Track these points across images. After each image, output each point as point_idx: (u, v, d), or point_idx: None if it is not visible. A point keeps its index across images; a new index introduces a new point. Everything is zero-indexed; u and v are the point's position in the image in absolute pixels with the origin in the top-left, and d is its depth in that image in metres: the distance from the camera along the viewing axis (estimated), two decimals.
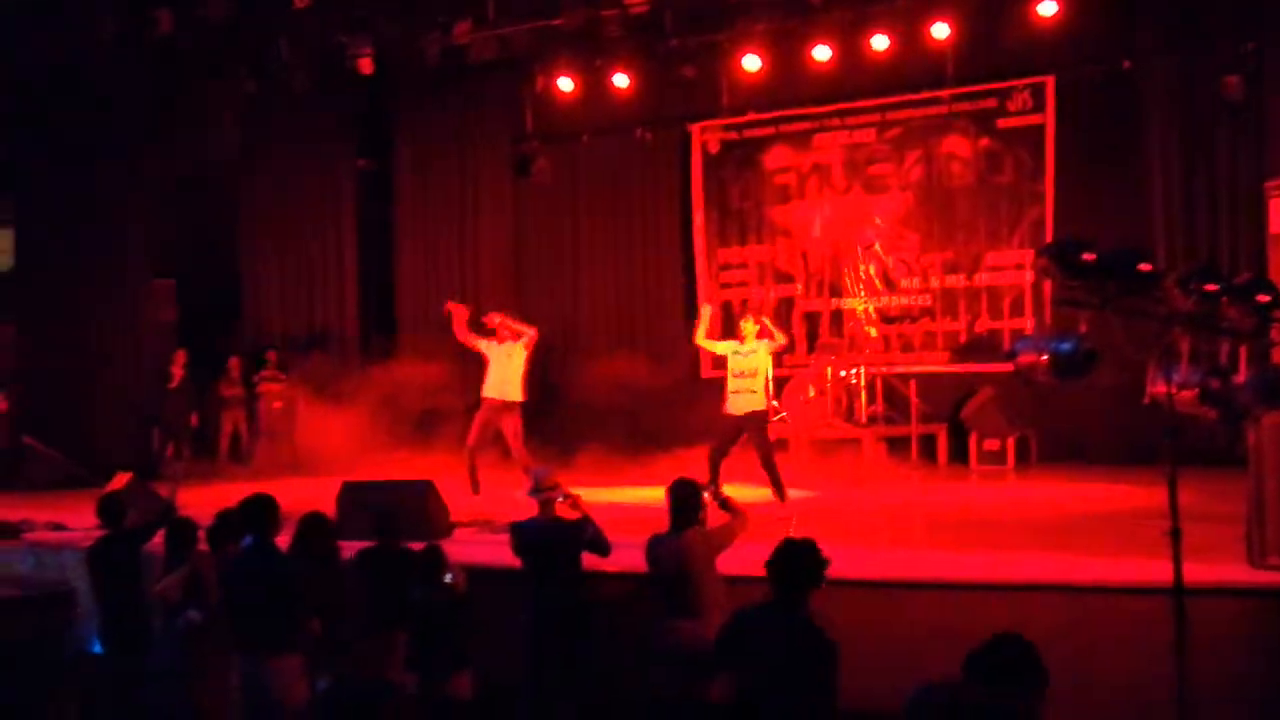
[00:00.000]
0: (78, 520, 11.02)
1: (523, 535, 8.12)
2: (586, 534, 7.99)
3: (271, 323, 18.99)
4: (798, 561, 5.88)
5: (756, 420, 11.71)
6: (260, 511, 7.65)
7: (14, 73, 16.85)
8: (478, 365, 13.53)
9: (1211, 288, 6.13)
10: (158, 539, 8.80)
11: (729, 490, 7.98)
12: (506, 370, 13.07)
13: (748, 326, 11.97)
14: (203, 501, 9.37)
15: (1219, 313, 6.37)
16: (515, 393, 13.07)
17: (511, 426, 13.02)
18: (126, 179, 17.94)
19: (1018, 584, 7.79)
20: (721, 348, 12.26)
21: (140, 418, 17.33)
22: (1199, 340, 6.47)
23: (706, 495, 7.76)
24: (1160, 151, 14.56)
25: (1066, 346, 5.91)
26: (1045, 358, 5.97)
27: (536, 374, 13.56)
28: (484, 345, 13.33)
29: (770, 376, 12.15)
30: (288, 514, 8.37)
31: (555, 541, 7.99)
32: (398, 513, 8.58)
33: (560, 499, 8.07)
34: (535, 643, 7.86)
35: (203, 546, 8.46)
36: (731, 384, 11.85)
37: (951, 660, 7.51)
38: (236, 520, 7.95)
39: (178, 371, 17.05)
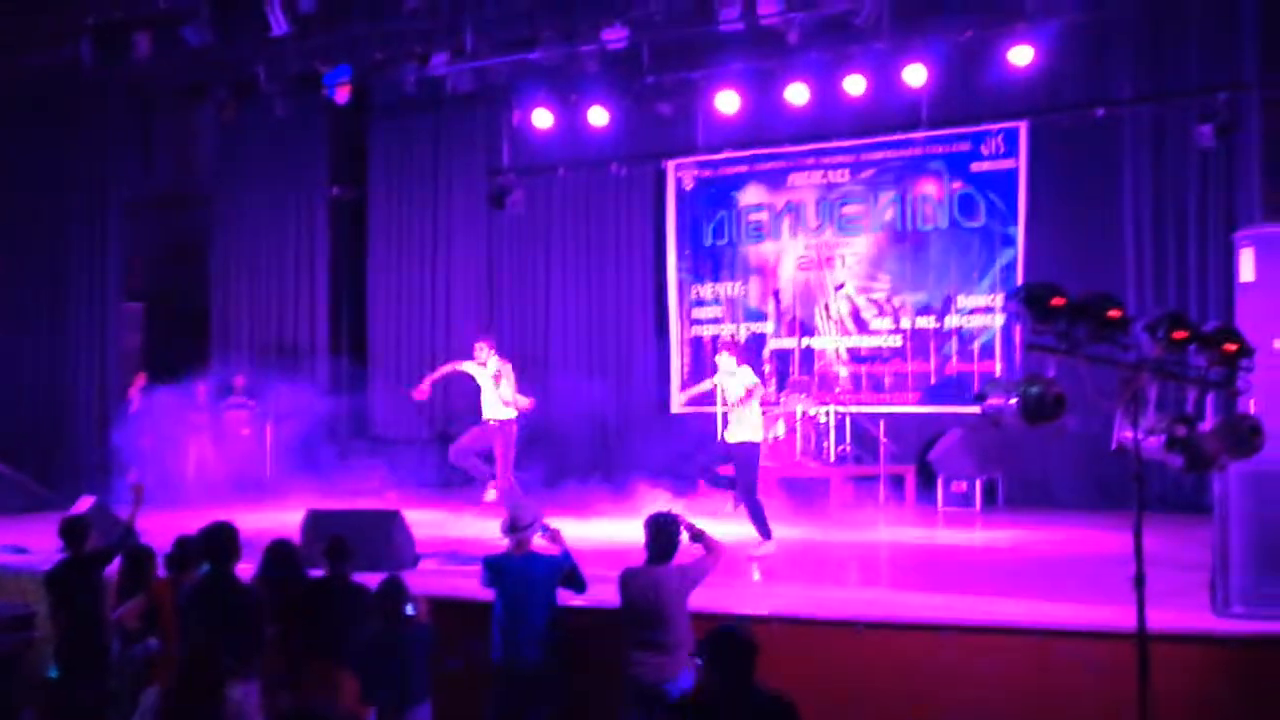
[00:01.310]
0: (40, 544, 10.93)
1: (497, 570, 7.96)
2: (564, 570, 7.91)
3: (240, 347, 18.91)
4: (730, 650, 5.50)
5: (738, 451, 11.70)
6: (219, 539, 7.61)
7: None
8: (444, 394, 13.72)
9: (1180, 335, 6.14)
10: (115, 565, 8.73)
11: (704, 525, 7.92)
12: (494, 392, 13.45)
13: (722, 360, 11.99)
14: (165, 528, 9.29)
15: (1186, 360, 6.39)
16: (510, 411, 13.46)
17: (501, 445, 13.27)
18: (100, 200, 17.87)
19: (981, 626, 7.79)
20: (705, 385, 12.42)
21: (103, 442, 17.20)
22: (1167, 387, 6.47)
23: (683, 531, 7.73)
24: (1132, 198, 14.66)
25: (1034, 391, 5.91)
26: (1014, 401, 5.96)
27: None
28: (468, 368, 13.74)
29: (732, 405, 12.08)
30: (253, 541, 8.32)
31: (531, 577, 7.85)
32: (355, 542, 8.46)
33: (539, 534, 7.99)
34: (505, 679, 7.78)
35: (161, 572, 8.39)
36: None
37: (916, 700, 7.54)
38: (196, 547, 7.90)
39: (136, 395, 16.91)
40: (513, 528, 7.91)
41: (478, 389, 13.82)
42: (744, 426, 11.63)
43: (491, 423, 13.55)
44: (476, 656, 8.00)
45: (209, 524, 7.78)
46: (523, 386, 13.84)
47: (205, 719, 6.04)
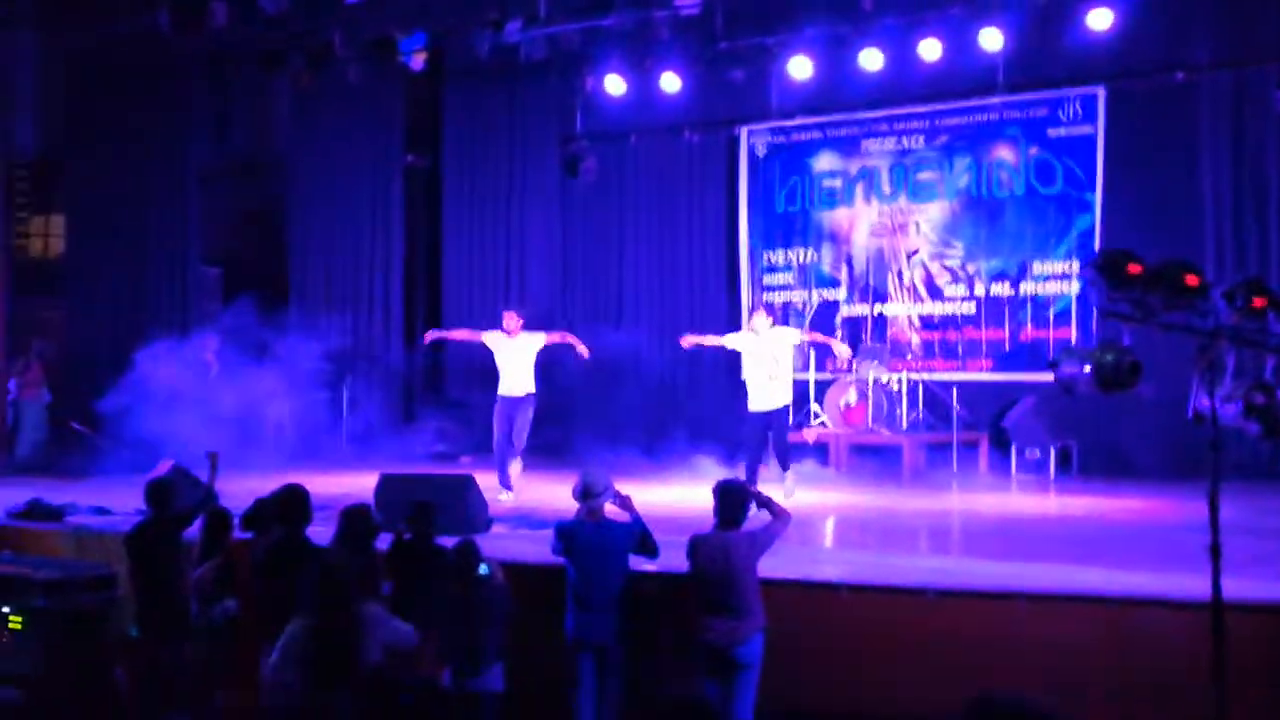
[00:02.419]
0: (122, 505, 11.11)
1: (569, 537, 7.90)
2: (637, 536, 7.91)
3: (318, 313, 19.06)
4: None
5: (779, 415, 11.71)
6: (291, 502, 7.71)
7: (69, 59, 17.00)
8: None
9: (1259, 302, 6.03)
10: (196, 526, 8.87)
11: (768, 491, 7.92)
12: (521, 364, 12.99)
13: (759, 320, 11.98)
14: (243, 491, 9.41)
15: (1266, 327, 6.28)
16: (531, 385, 13.00)
17: (523, 419, 12.95)
18: (180, 167, 18.08)
19: (1054, 594, 7.73)
20: (732, 341, 12.32)
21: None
22: (1245, 355, 6.38)
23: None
24: (1211, 165, 14.45)
25: (1109, 358, 5.84)
26: (1088, 369, 5.89)
27: (578, 375, 13.54)
28: (490, 339, 13.19)
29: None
30: (328, 505, 8.41)
31: (605, 545, 7.83)
32: (434, 506, 8.56)
33: (612, 500, 7.99)
34: (580, 648, 7.81)
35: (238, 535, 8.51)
36: (753, 378, 11.87)
37: (989, 669, 7.49)
38: (270, 510, 8.00)
39: (212, 359, 17.05)
40: (585, 494, 7.89)
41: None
42: (783, 390, 11.66)
43: (515, 397, 12.91)
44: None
45: (281, 487, 7.87)
46: (594, 355, 13.73)
47: (345, 633, 6.41)
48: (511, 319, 13.13)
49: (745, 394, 12.28)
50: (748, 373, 12.14)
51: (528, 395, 12.96)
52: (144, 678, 8.42)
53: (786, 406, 11.96)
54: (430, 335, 14.25)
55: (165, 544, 8.58)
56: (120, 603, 9.10)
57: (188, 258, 18.23)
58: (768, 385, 11.83)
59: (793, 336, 12.21)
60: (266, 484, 8.75)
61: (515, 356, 12.99)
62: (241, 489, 9.57)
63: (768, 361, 11.85)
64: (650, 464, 14.92)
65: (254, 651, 7.61)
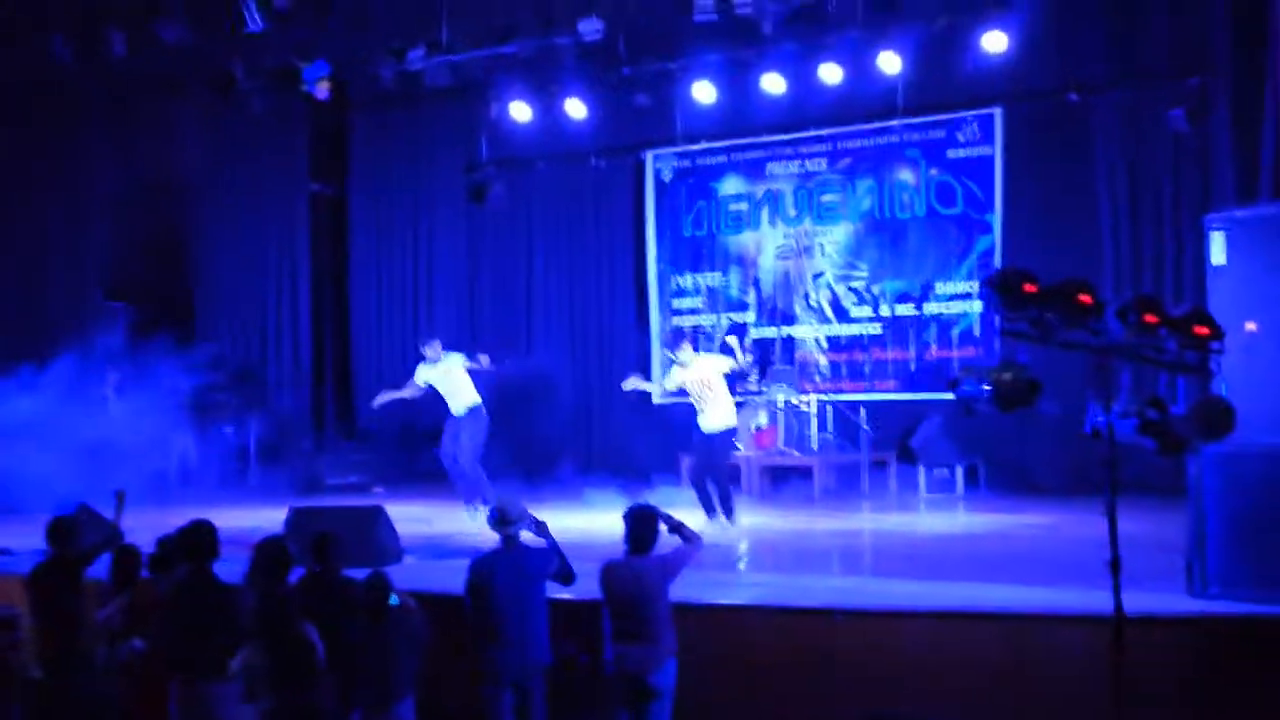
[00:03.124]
0: (24, 544, 10.88)
1: (486, 569, 7.72)
2: (553, 565, 7.83)
3: (224, 344, 18.84)
4: None
5: (714, 437, 11.78)
6: (197, 538, 7.60)
7: None
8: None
9: (1151, 319, 6.14)
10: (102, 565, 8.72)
11: (680, 514, 7.91)
12: (453, 384, 13.16)
13: (683, 352, 12.07)
14: (150, 527, 9.25)
15: (1159, 344, 6.40)
16: (470, 400, 13.13)
17: (466, 434, 13.07)
18: (78, 198, 17.80)
19: (957, 611, 7.81)
20: (671, 382, 12.34)
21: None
22: (1141, 371, 6.50)
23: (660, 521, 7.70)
24: (1107, 183, 14.72)
25: (1008, 377, 5.93)
26: (987, 388, 5.97)
27: (490, 400, 13.52)
28: (422, 374, 13.37)
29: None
30: (239, 540, 8.30)
31: (520, 573, 7.67)
32: (337, 538, 8.44)
33: (527, 527, 7.88)
34: (495, 680, 7.69)
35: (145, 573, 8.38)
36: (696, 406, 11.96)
37: (891, 686, 7.56)
38: (175, 547, 7.89)
39: (109, 394, 16.75)
40: (501, 521, 7.79)
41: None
42: (722, 412, 11.73)
43: (455, 416, 13.18)
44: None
45: (187, 523, 7.76)
46: (504, 380, 13.75)
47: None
48: (431, 348, 13.35)
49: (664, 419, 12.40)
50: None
51: (469, 411, 13.12)
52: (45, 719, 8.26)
53: (725, 430, 11.94)
54: (380, 400, 13.90)
55: (68, 583, 8.42)
56: (22, 645, 8.92)
57: (87, 288, 17.94)
58: (703, 412, 11.86)
59: (721, 364, 12.17)
60: (173, 520, 8.61)
61: (445, 379, 13.21)
62: (147, 524, 9.41)
63: (698, 389, 11.89)
64: (561, 491, 14.87)
65: (161, 690, 7.48)
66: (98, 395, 16.38)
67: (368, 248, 19.07)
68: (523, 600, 7.64)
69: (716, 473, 11.84)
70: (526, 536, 7.85)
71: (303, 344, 18.93)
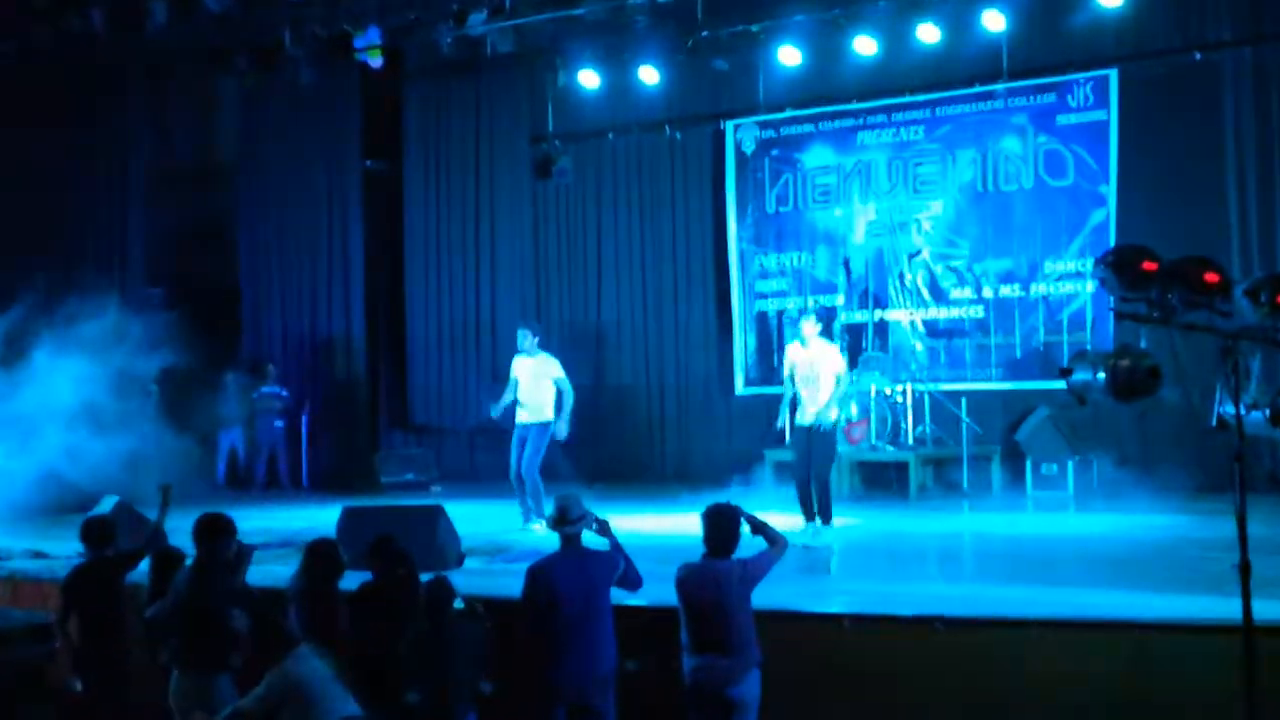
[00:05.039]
0: (60, 547, 11.05)
1: (545, 575, 7.69)
2: (618, 569, 7.81)
3: (272, 333, 19.03)
4: None
5: (817, 431, 11.65)
6: (202, 530, 7.78)
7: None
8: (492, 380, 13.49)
9: None
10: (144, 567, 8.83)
11: (763, 515, 7.87)
12: (529, 389, 13.06)
13: (804, 322, 11.91)
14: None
15: None
16: (541, 413, 13.04)
17: (530, 447, 12.99)
18: (118, 181, 18.01)
19: (1072, 621, 7.73)
20: (788, 365, 12.14)
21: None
22: (1273, 357, 6.41)
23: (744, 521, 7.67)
24: (1235, 151, 14.51)
25: (1124, 364, 5.87)
26: (1102, 376, 5.92)
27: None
28: (517, 368, 13.25)
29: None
30: (290, 541, 8.37)
31: (582, 579, 7.64)
32: (401, 541, 8.51)
33: (590, 527, 7.87)
34: (556, 699, 7.67)
35: None
36: (797, 394, 11.83)
37: (998, 704, 7.49)
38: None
39: (153, 387, 16.96)
40: (560, 520, 7.78)
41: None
42: (829, 404, 11.57)
43: (521, 423, 13.02)
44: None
45: (200, 515, 7.95)
46: (572, 371, 13.70)
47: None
48: (527, 338, 13.24)
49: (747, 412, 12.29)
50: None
51: (540, 424, 12.98)
52: None
53: (833, 425, 11.75)
54: (498, 410, 13.37)
55: (106, 588, 8.54)
56: (60, 654, 9.05)
57: (128, 277, 18.16)
58: (809, 402, 11.68)
59: (839, 363, 11.92)
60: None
61: (534, 384, 13.09)
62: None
63: (809, 374, 11.72)
64: (634, 492, 14.90)
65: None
66: (139, 388, 16.60)
67: (424, 229, 19.12)
68: (586, 607, 7.61)
69: (821, 470, 11.70)
70: (590, 537, 7.84)
71: (355, 334, 19.02)
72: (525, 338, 13.28)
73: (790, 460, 12.20)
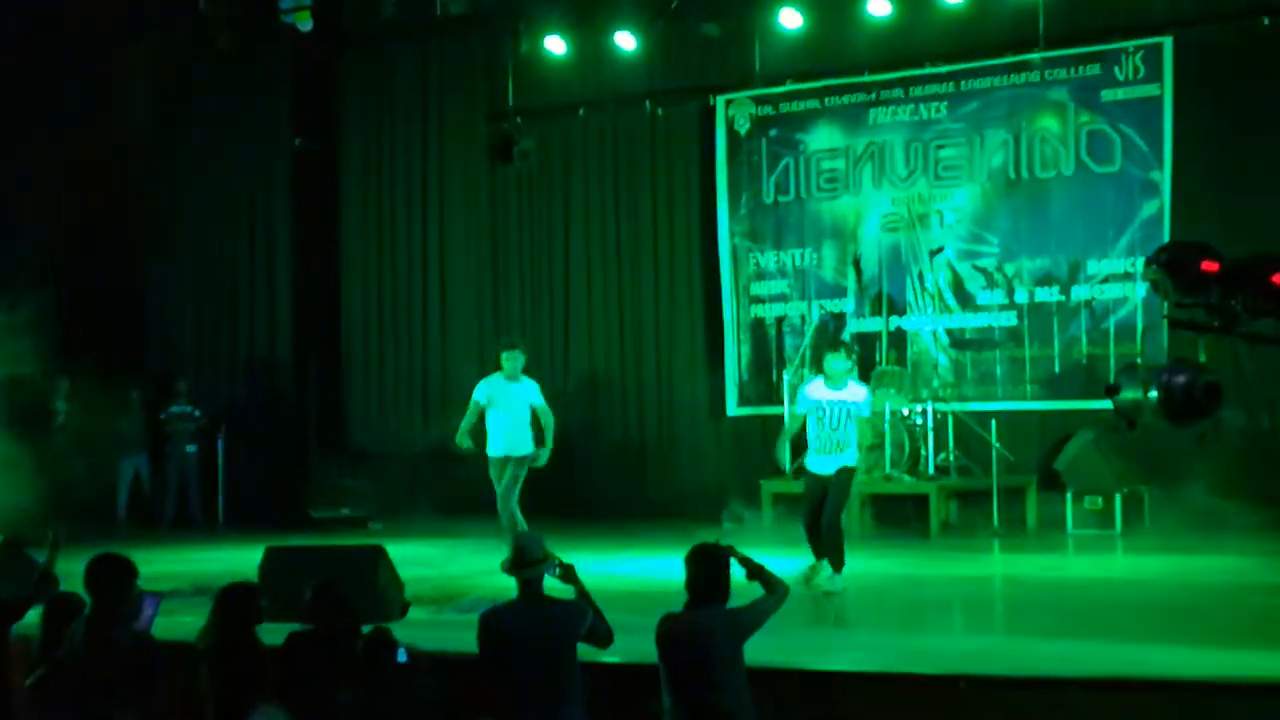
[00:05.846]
0: None
1: (499, 625, 7.68)
2: (585, 620, 7.81)
3: (184, 343, 18.97)
4: None
5: (840, 477, 11.64)
6: (97, 574, 7.76)
7: None
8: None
9: None
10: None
11: (759, 557, 7.87)
12: (506, 417, 13.16)
13: (836, 360, 11.82)
14: None
15: None
16: (531, 444, 13.17)
17: (507, 479, 13.09)
18: (12, 168, 17.97)
19: (1124, 681, 7.76)
20: (801, 409, 12.07)
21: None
22: None
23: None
24: None
25: (1180, 381, 5.89)
26: (1153, 395, 5.94)
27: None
28: (484, 390, 13.33)
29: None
30: (208, 585, 8.35)
31: (543, 632, 7.61)
32: (338, 587, 8.49)
33: (551, 572, 7.87)
34: None
35: None
36: (815, 436, 11.73)
37: None
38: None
39: (59, 407, 16.95)
40: (518, 564, 7.78)
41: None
42: (854, 447, 11.58)
43: (493, 457, 13.20)
44: None
45: (94, 558, 7.91)
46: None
47: None
48: (512, 357, 13.31)
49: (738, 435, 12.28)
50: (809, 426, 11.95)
51: (524, 455, 13.14)
52: None
53: (853, 467, 11.77)
54: (463, 440, 13.44)
55: None
56: None
57: (15, 275, 18.11)
58: (836, 444, 11.65)
59: (865, 408, 11.93)
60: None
61: (517, 411, 13.21)
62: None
63: (839, 417, 11.67)
64: (607, 530, 14.91)
65: None
66: (41, 406, 16.55)
67: (363, 221, 19.11)
68: (547, 663, 7.59)
69: (833, 518, 11.68)
70: (554, 584, 7.84)
71: (280, 343, 19.00)
72: (516, 360, 13.30)
73: (801, 507, 12.13)
